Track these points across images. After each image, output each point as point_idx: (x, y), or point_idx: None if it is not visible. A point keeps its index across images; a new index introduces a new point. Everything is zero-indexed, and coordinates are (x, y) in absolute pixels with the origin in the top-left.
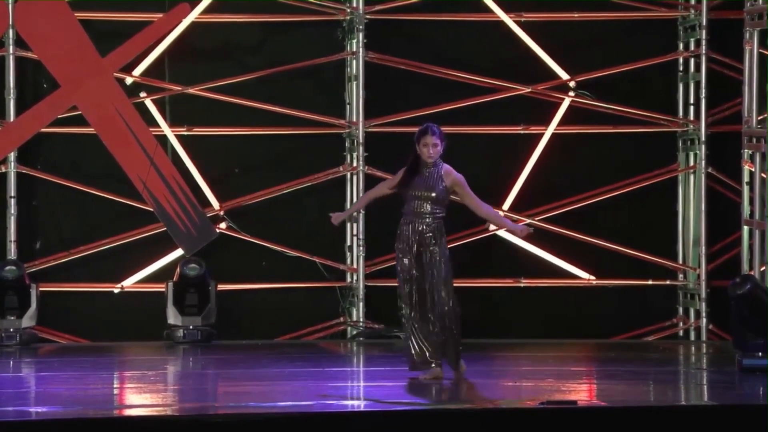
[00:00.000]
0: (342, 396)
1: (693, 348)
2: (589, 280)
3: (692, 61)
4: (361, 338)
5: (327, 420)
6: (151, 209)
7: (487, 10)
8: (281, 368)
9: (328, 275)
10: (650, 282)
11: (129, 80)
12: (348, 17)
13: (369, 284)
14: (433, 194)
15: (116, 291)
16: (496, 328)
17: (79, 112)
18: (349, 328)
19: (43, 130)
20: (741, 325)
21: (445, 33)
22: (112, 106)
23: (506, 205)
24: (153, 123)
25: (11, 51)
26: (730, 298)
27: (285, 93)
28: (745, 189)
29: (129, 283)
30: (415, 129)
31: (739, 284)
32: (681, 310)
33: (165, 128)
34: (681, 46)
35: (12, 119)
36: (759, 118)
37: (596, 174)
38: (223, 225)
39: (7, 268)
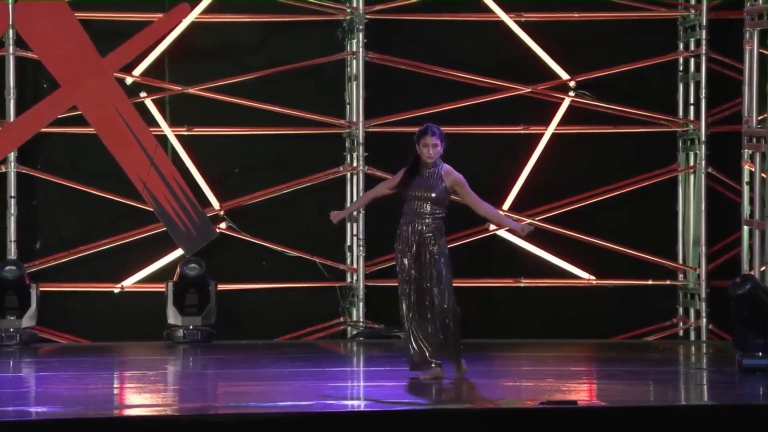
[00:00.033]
0: (342, 396)
1: (693, 348)
2: (589, 280)
3: (692, 61)
4: (361, 338)
5: (327, 420)
6: (151, 209)
7: (487, 10)
8: (281, 368)
9: (328, 275)
10: (650, 282)
11: (129, 80)
12: (348, 17)
13: (369, 284)
14: (433, 194)
15: (116, 291)
16: (496, 328)
17: (79, 112)
18: (349, 328)
19: (43, 130)
20: (741, 325)
21: (445, 33)
22: (112, 106)
23: (506, 205)
24: (153, 123)
25: (11, 51)
26: (730, 298)
27: (285, 93)
28: (745, 189)
29: (129, 283)
30: (415, 129)
31: (739, 284)
32: (681, 310)
33: (165, 128)
34: (681, 46)
35: (12, 119)
36: (759, 118)
37: (596, 174)
38: (223, 225)
39: (7, 268)
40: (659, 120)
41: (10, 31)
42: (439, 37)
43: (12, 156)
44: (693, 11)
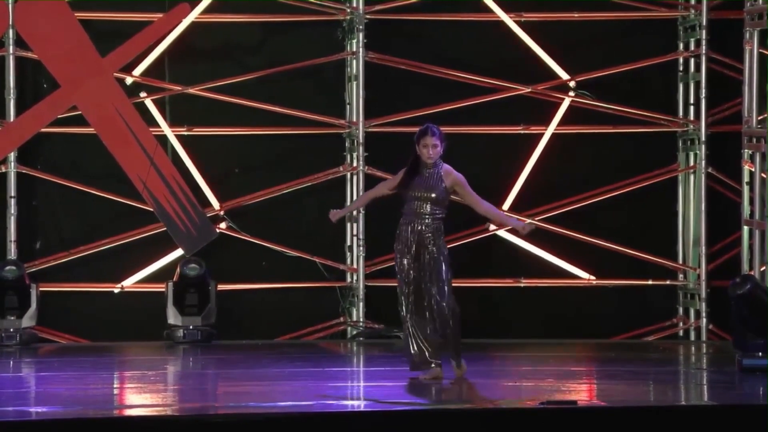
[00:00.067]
0: (342, 396)
1: (693, 348)
2: (589, 280)
3: (692, 61)
4: (361, 338)
5: (327, 420)
6: (151, 209)
7: (487, 10)
8: (281, 368)
9: (328, 275)
10: (650, 282)
11: (129, 80)
12: (348, 17)
13: (369, 284)
14: (433, 195)
15: (116, 291)
16: (496, 328)
17: (79, 112)
18: (349, 328)
19: (43, 130)
20: (741, 325)
21: (445, 33)
22: (112, 106)
23: (506, 205)
24: (153, 123)
25: (11, 51)
26: (730, 298)
27: (285, 93)
28: (745, 189)
29: (129, 283)
30: (415, 129)
31: (739, 284)
32: (681, 310)
33: (165, 128)
34: (681, 46)
35: (12, 119)
36: (759, 118)
37: (596, 174)
38: (223, 225)
39: (7, 268)
40: (659, 120)
41: (10, 31)
42: (439, 37)
43: (12, 156)
44: (693, 11)
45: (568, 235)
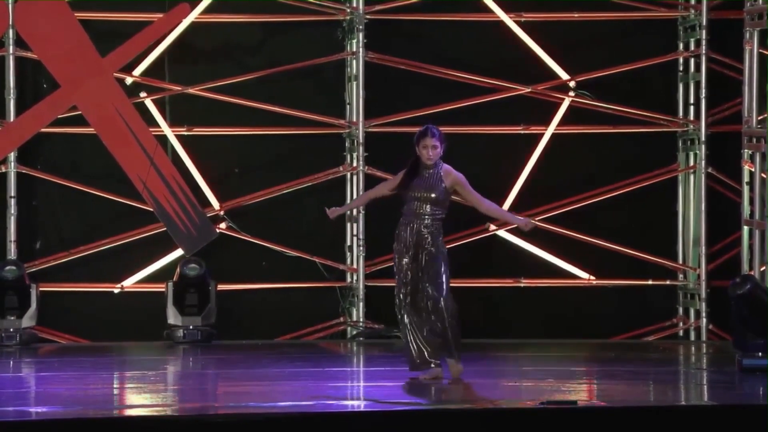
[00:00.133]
0: (342, 396)
1: (693, 348)
2: (589, 280)
3: (692, 61)
4: (361, 338)
5: (327, 420)
6: (151, 209)
7: (487, 10)
8: (281, 368)
9: (328, 275)
10: (650, 282)
11: (129, 80)
12: (348, 17)
13: (369, 284)
14: (433, 195)
15: (116, 291)
16: (496, 328)
17: (79, 112)
18: (349, 328)
19: (43, 130)
20: (741, 325)
21: (445, 33)
22: (112, 106)
23: (506, 205)
24: (153, 123)
25: (11, 51)
26: (730, 298)
27: (285, 93)
28: (745, 189)
29: (129, 283)
30: (415, 129)
31: (739, 284)
32: (681, 310)
33: (165, 128)
34: (681, 46)
35: (12, 119)
36: (759, 118)
37: (596, 174)
38: (223, 225)
39: (7, 268)
40: (659, 120)
41: (10, 31)
42: (439, 37)
43: (12, 156)
44: (693, 11)
45: (568, 235)
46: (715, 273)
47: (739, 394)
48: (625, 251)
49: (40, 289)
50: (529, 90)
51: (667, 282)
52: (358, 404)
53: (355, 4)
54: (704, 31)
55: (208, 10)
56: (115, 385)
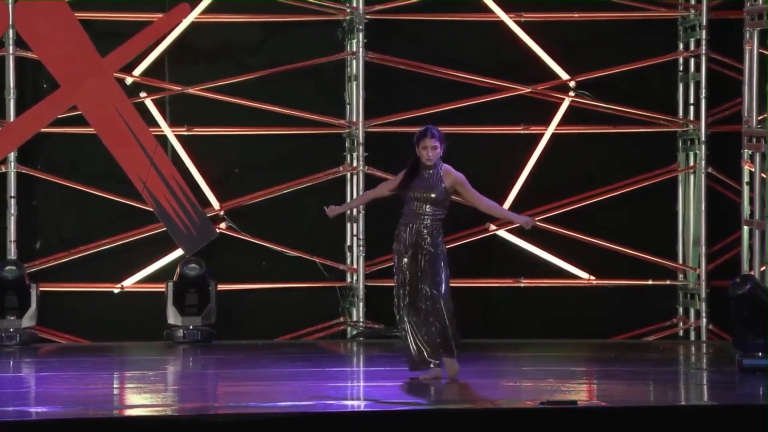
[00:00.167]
0: (342, 396)
1: (693, 348)
2: (589, 280)
3: (692, 61)
4: (361, 338)
5: (327, 420)
6: (151, 209)
7: (487, 10)
8: (281, 368)
9: (328, 275)
10: (650, 282)
11: (129, 80)
12: (348, 17)
13: (369, 284)
14: (433, 195)
15: (116, 291)
16: (496, 328)
17: (79, 112)
18: (349, 328)
19: (43, 130)
20: (741, 325)
21: (445, 33)
22: (112, 106)
23: (506, 206)
24: (153, 123)
25: (11, 51)
26: (730, 298)
27: (285, 93)
28: (745, 189)
29: (129, 283)
30: (415, 129)
31: (739, 284)
32: (681, 310)
33: (165, 128)
34: (681, 46)
35: (12, 119)
36: (759, 118)
37: (596, 174)
38: (223, 225)
39: (7, 268)
40: (659, 120)
41: (10, 31)
42: (439, 37)
43: (12, 156)
44: (693, 11)
45: (568, 235)
46: (715, 273)
47: (739, 394)
48: (625, 251)
49: (40, 289)
50: (529, 90)
51: (667, 282)
52: (358, 404)
53: (355, 4)
54: (704, 31)
55: (208, 10)
56: (115, 385)
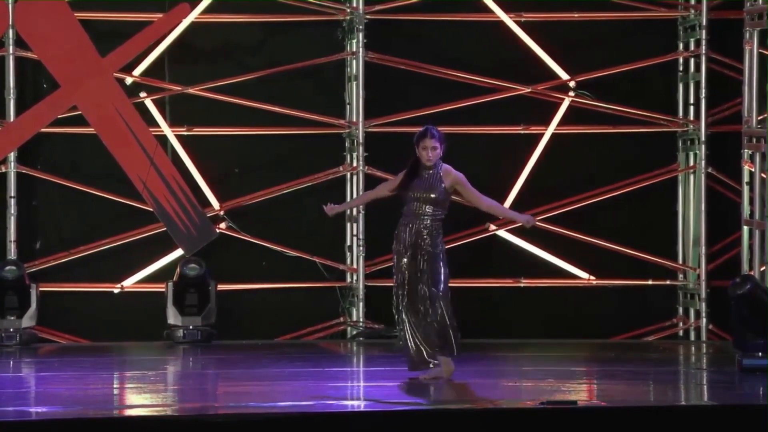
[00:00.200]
0: (342, 396)
1: (693, 348)
2: (589, 280)
3: (692, 61)
4: (361, 338)
5: (327, 420)
6: (151, 209)
7: (487, 10)
8: (281, 368)
9: (328, 275)
10: (650, 282)
11: (129, 80)
12: (348, 17)
13: (369, 284)
14: (433, 195)
15: (116, 291)
16: (496, 328)
17: (79, 112)
18: (349, 328)
19: (43, 130)
20: (741, 325)
21: (445, 33)
22: (112, 106)
23: (506, 206)
24: (153, 123)
25: (11, 51)
26: (730, 298)
27: (285, 93)
28: (745, 189)
29: (129, 283)
30: (415, 129)
31: (739, 284)
32: (681, 310)
33: (165, 128)
34: (681, 46)
35: (12, 119)
36: (759, 118)
37: (596, 174)
38: (223, 225)
39: (7, 268)
40: (659, 120)
41: (10, 31)
42: (439, 37)
43: (12, 156)
44: (693, 11)
45: (568, 235)
46: (715, 273)
47: (739, 394)
48: (625, 251)
49: (40, 289)
50: (529, 90)
51: (667, 282)
52: (358, 404)
53: (355, 4)
54: (704, 31)
55: (208, 10)
56: (115, 385)
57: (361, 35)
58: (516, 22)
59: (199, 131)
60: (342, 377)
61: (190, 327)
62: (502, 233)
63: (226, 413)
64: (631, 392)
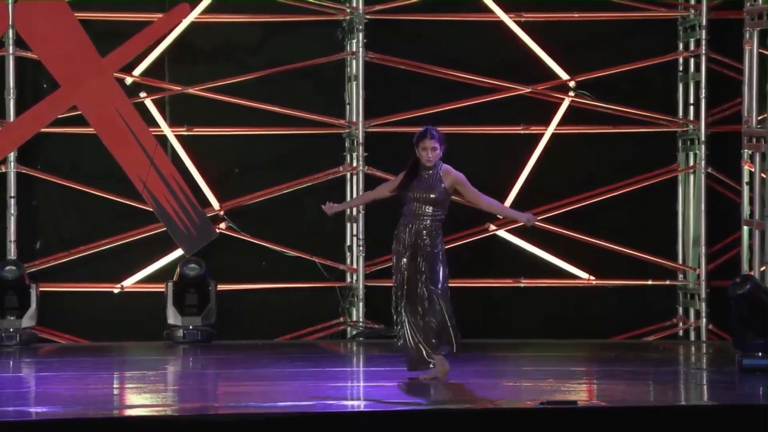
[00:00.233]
0: (342, 396)
1: (693, 348)
2: (588, 280)
3: (692, 61)
4: (361, 338)
5: (327, 420)
6: (151, 209)
7: (487, 10)
8: (281, 368)
9: (328, 275)
10: (650, 282)
11: (129, 80)
12: (348, 17)
13: (369, 284)
14: (433, 195)
15: (116, 291)
16: (496, 328)
17: (79, 112)
18: (349, 328)
19: (43, 130)
20: (741, 325)
21: (445, 33)
22: (112, 106)
23: (506, 206)
24: (153, 123)
25: (11, 51)
26: (730, 298)
27: (285, 93)
28: (745, 189)
29: (129, 283)
30: (415, 129)
31: (739, 284)
32: (681, 310)
33: (165, 128)
34: (681, 46)
35: (12, 119)
36: (759, 118)
37: (596, 174)
38: (223, 225)
39: (7, 268)
40: (659, 120)
41: (10, 31)
42: (439, 37)
43: (12, 156)
44: (693, 11)
45: (568, 235)
46: (715, 273)
47: (739, 394)
48: (624, 251)
49: (40, 289)
50: (529, 90)
51: (667, 282)
52: (358, 404)
53: (355, 4)
54: (704, 31)
55: (208, 10)
56: (115, 385)
57: (361, 35)
58: (516, 22)
59: (199, 131)
60: (342, 377)
61: (190, 327)
62: (502, 233)
63: (226, 413)
64: (631, 392)
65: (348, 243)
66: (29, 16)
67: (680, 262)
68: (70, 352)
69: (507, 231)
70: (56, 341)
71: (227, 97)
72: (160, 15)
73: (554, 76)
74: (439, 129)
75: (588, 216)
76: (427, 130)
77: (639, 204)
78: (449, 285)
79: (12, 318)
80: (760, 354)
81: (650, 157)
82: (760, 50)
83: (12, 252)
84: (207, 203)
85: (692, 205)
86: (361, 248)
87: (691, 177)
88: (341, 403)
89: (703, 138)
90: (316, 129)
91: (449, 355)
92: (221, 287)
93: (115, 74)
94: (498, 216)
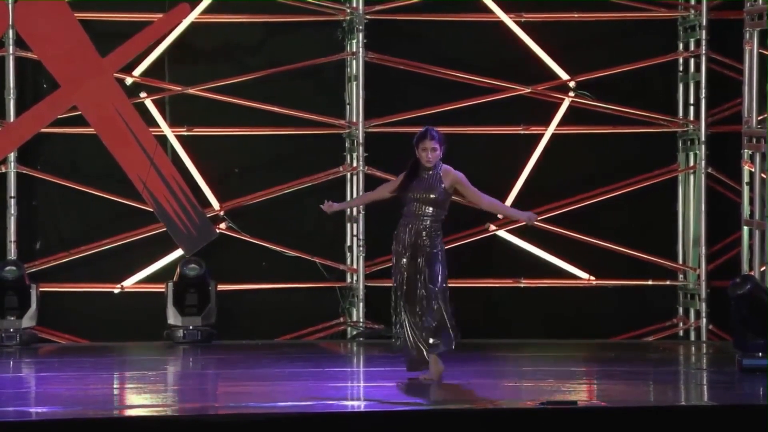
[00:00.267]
0: (342, 396)
1: (693, 348)
2: (588, 280)
3: (692, 61)
4: (361, 338)
5: (327, 420)
6: (151, 209)
7: (487, 10)
8: (281, 368)
9: (328, 275)
10: (650, 282)
11: (129, 80)
12: (348, 17)
13: (369, 284)
14: (433, 195)
15: (116, 291)
16: (496, 328)
17: (79, 112)
18: (349, 328)
19: (43, 130)
20: (741, 325)
21: (445, 33)
22: (112, 106)
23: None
24: (153, 123)
25: (11, 51)
26: (730, 298)
27: (285, 93)
28: (745, 189)
29: (129, 283)
30: (415, 129)
31: (739, 284)
32: (681, 310)
33: (165, 128)
34: (681, 46)
35: (12, 119)
36: (759, 118)
37: (596, 174)
38: (223, 225)
39: (7, 268)
40: (659, 120)
41: (10, 31)
42: (439, 37)
43: (12, 156)
44: (693, 11)
45: (568, 235)
46: (715, 273)
47: (739, 394)
48: (624, 251)
49: (40, 289)
50: (529, 90)
51: (667, 282)
52: (358, 404)
53: (355, 4)
54: (704, 31)
55: (208, 10)
56: (115, 385)
57: (361, 35)
58: (516, 22)
59: (199, 131)
60: (342, 377)
61: (190, 327)
62: (502, 233)
63: (226, 413)
64: (631, 392)
65: (348, 243)
66: (29, 16)
67: (680, 262)
68: (70, 352)
69: (507, 231)
70: (56, 341)
71: (227, 98)
72: (160, 15)
73: (554, 76)
74: (439, 129)
75: (588, 216)
76: (427, 130)
77: (639, 204)
78: (449, 285)
79: (12, 318)
80: (760, 354)
81: (650, 157)
82: (760, 50)
83: (12, 252)
84: (207, 203)
85: (692, 205)
86: (361, 248)
87: (691, 177)
88: (341, 404)
89: (703, 138)
90: (316, 129)
91: (448, 352)
92: (221, 287)
93: (115, 74)
94: (498, 216)
